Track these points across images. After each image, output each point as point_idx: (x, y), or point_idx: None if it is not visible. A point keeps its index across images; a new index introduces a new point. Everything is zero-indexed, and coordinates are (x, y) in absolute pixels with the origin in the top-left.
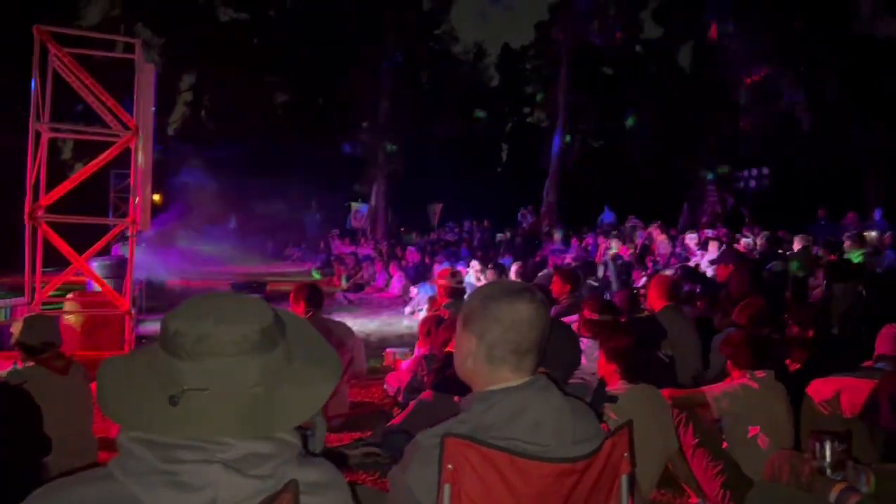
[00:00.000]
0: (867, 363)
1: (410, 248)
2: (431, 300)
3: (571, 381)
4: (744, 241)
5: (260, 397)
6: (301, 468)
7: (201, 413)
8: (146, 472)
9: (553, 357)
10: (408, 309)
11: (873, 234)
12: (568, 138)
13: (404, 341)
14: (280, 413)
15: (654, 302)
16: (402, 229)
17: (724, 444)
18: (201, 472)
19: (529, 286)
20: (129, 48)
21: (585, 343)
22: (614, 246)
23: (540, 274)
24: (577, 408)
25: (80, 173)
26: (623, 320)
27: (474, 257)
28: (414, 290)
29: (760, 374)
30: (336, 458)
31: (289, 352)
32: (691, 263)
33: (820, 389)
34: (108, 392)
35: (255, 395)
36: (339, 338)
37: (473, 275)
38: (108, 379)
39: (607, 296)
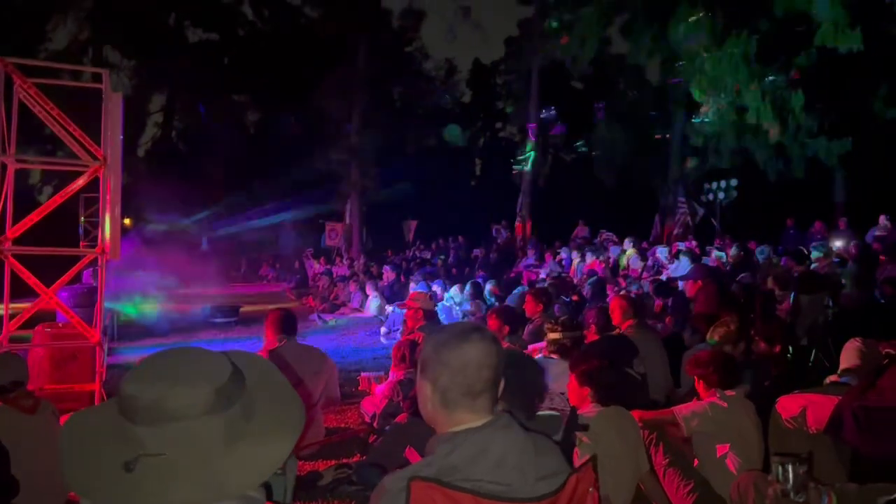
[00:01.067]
0: (833, 377)
1: (385, 267)
2: (404, 323)
3: (542, 411)
4: (714, 253)
5: (217, 459)
6: None
7: (159, 481)
8: None
9: (517, 392)
10: (384, 329)
11: (839, 243)
12: (532, 154)
13: (380, 363)
14: (239, 473)
15: (619, 321)
16: (388, 252)
17: (696, 462)
18: None
19: (478, 326)
20: (97, 77)
21: (555, 362)
22: (587, 259)
23: (514, 292)
24: (540, 444)
25: (48, 204)
26: (595, 339)
27: (450, 276)
28: (389, 309)
29: (730, 392)
30: (309, 479)
31: (248, 406)
32: (663, 277)
33: (787, 406)
34: (68, 461)
35: (213, 457)
36: (313, 366)
37: (452, 299)
38: (69, 445)
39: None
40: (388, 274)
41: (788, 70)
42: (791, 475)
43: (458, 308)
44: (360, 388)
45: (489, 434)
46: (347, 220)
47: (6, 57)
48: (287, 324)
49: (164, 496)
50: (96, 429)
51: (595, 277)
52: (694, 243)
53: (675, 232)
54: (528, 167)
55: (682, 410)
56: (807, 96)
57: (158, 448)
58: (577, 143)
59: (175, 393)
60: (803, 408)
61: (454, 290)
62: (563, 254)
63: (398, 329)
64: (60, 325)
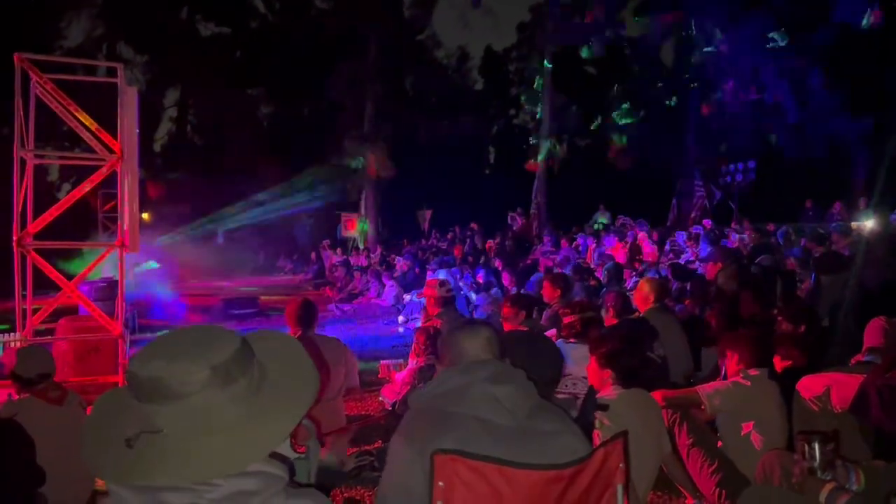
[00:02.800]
0: (857, 357)
1: (398, 258)
2: (423, 311)
3: (560, 394)
4: (734, 236)
5: (219, 435)
6: (289, 500)
7: (159, 458)
8: None
9: (531, 367)
10: (401, 318)
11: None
12: (548, 143)
13: (398, 352)
14: (243, 448)
15: (641, 304)
16: (404, 242)
17: (719, 443)
18: None
19: (482, 323)
20: (111, 72)
21: (574, 346)
22: (605, 244)
23: (531, 279)
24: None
25: (66, 199)
26: (614, 322)
27: (466, 263)
28: (407, 298)
29: (754, 372)
30: (330, 467)
31: (255, 382)
32: (681, 260)
33: (810, 386)
34: (85, 438)
35: (215, 432)
36: (333, 356)
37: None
38: (89, 424)
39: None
40: (402, 264)
41: (807, 48)
42: (818, 453)
43: (474, 296)
44: (379, 375)
45: (490, 360)
46: (363, 211)
47: (22, 53)
48: (305, 315)
49: (164, 471)
50: (111, 407)
51: (612, 263)
52: (710, 225)
53: (693, 215)
54: (541, 157)
55: (705, 390)
56: (826, 74)
57: (160, 424)
58: (592, 127)
59: (172, 370)
60: (827, 387)
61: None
62: (580, 239)
63: (416, 317)
64: (83, 317)
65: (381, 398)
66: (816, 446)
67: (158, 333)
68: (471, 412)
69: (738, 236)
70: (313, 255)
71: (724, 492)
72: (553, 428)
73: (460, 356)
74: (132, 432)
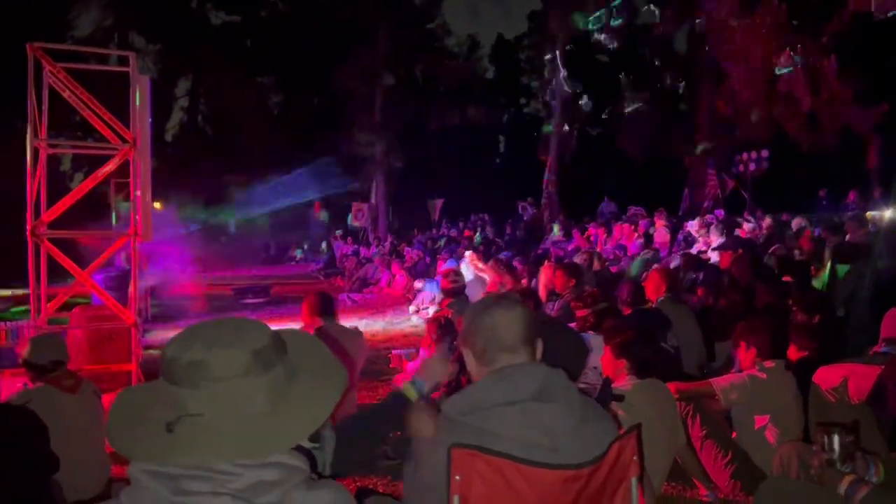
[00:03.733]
0: (875, 348)
1: (407, 249)
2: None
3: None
4: (746, 225)
5: (256, 420)
6: (310, 492)
7: (198, 439)
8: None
9: (552, 356)
10: (412, 307)
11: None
12: (549, 127)
13: (410, 341)
14: (276, 435)
15: (652, 293)
16: (415, 231)
17: (734, 434)
18: None
19: (505, 296)
20: (123, 61)
21: (589, 336)
22: (615, 233)
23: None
24: (583, 397)
25: (80, 188)
26: (627, 312)
27: (474, 250)
28: (419, 284)
29: (769, 364)
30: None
31: (290, 371)
32: (694, 250)
33: (826, 377)
34: (114, 422)
35: (251, 417)
36: (352, 346)
37: (471, 267)
38: (116, 409)
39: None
40: (411, 254)
41: (821, 36)
42: (837, 444)
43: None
44: (391, 365)
45: (533, 366)
46: (373, 200)
47: (35, 42)
48: (325, 306)
49: (204, 455)
50: (143, 394)
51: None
52: (723, 214)
53: (706, 205)
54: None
55: (720, 382)
56: (840, 63)
57: (199, 409)
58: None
59: (214, 354)
60: (844, 378)
61: (470, 254)
62: (592, 229)
63: (426, 307)
64: (96, 306)
65: (393, 388)
66: (836, 438)
67: (171, 323)
68: (512, 434)
69: (750, 226)
70: (324, 244)
71: (738, 483)
72: (590, 440)
73: (493, 343)
74: (171, 416)
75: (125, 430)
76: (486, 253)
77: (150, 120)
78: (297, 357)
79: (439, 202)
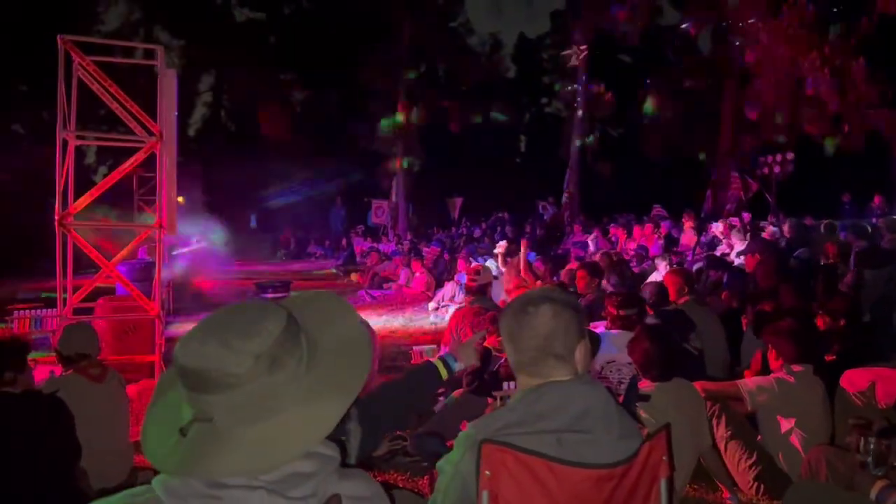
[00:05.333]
0: None
1: (425, 247)
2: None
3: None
4: (770, 228)
5: (271, 422)
6: (341, 481)
7: (210, 445)
8: (190, 496)
9: None
10: (431, 304)
11: None
12: (589, 139)
13: (430, 338)
14: (295, 435)
15: (676, 297)
16: (435, 229)
17: (759, 437)
18: (244, 499)
19: (550, 295)
20: (150, 54)
21: (617, 334)
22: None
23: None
24: (620, 406)
25: (108, 179)
26: (650, 313)
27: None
28: (449, 287)
29: (798, 367)
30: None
31: (304, 362)
32: (717, 252)
33: (854, 380)
34: (144, 423)
35: (265, 420)
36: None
37: (497, 262)
38: (150, 409)
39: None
40: (430, 251)
41: (848, 38)
42: (872, 448)
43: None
44: (412, 362)
45: (574, 386)
46: (393, 198)
47: (65, 35)
48: None
49: (219, 463)
50: (170, 394)
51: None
52: (748, 218)
53: (728, 207)
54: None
55: (746, 384)
56: (868, 65)
57: (211, 413)
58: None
59: (215, 362)
60: (872, 382)
61: (490, 262)
62: (613, 230)
63: (446, 305)
64: (121, 297)
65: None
66: (872, 441)
67: (192, 315)
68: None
69: (773, 229)
70: (344, 241)
71: (762, 486)
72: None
73: (543, 350)
74: (185, 420)
75: (151, 435)
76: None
77: (175, 114)
78: (318, 334)
79: (459, 201)
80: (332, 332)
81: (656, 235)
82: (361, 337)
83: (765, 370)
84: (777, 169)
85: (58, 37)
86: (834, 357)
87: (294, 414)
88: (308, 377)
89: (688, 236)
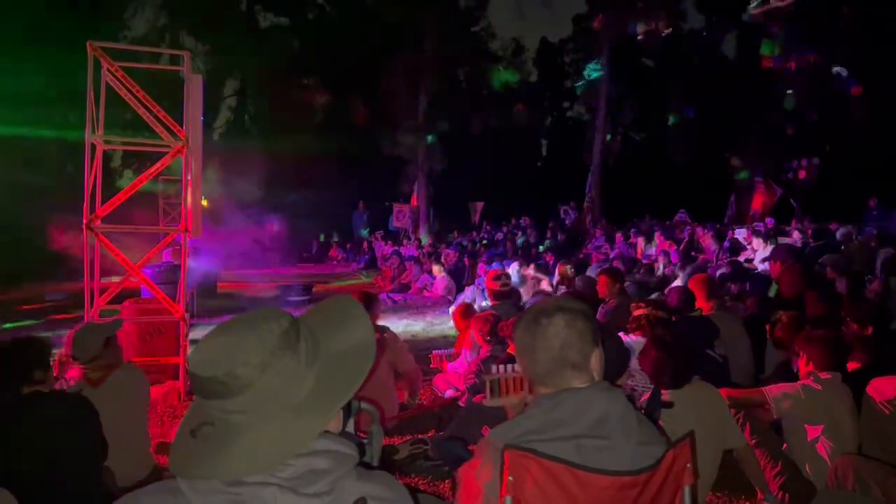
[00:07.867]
0: None
1: (445, 251)
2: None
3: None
4: (795, 234)
5: (273, 422)
6: (360, 482)
7: (215, 447)
8: (211, 492)
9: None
10: (452, 308)
11: None
12: (608, 138)
13: (450, 342)
14: (295, 434)
15: (701, 304)
16: (455, 233)
17: (784, 446)
18: (259, 495)
19: (563, 304)
20: (176, 60)
21: (637, 340)
22: (656, 241)
23: (579, 277)
24: (639, 413)
25: (135, 184)
26: (674, 319)
27: (517, 256)
28: (469, 291)
29: (825, 375)
30: (385, 453)
31: (303, 362)
32: (741, 259)
33: (881, 389)
34: (179, 429)
35: (269, 421)
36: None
37: (516, 273)
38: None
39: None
40: (449, 256)
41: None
42: None
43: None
44: (431, 366)
45: (592, 393)
46: (415, 202)
47: (94, 41)
48: (367, 306)
49: (225, 464)
50: (195, 402)
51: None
52: (771, 224)
53: (752, 212)
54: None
55: (772, 391)
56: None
57: (212, 417)
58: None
59: (212, 374)
60: None
61: (513, 267)
62: (635, 235)
63: None
64: (146, 299)
65: (433, 387)
66: None
67: (216, 318)
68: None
69: (798, 235)
70: (365, 244)
71: (787, 495)
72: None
73: (559, 361)
74: (195, 424)
75: (176, 441)
76: (525, 258)
77: (202, 118)
78: (323, 337)
79: (480, 205)
80: (338, 338)
81: (677, 242)
82: (363, 345)
83: (788, 377)
84: (802, 174)
85: (87, 43)
86: (860, 365)
87: (296, 414)
88: (306, 382)
89: (710, 242)
